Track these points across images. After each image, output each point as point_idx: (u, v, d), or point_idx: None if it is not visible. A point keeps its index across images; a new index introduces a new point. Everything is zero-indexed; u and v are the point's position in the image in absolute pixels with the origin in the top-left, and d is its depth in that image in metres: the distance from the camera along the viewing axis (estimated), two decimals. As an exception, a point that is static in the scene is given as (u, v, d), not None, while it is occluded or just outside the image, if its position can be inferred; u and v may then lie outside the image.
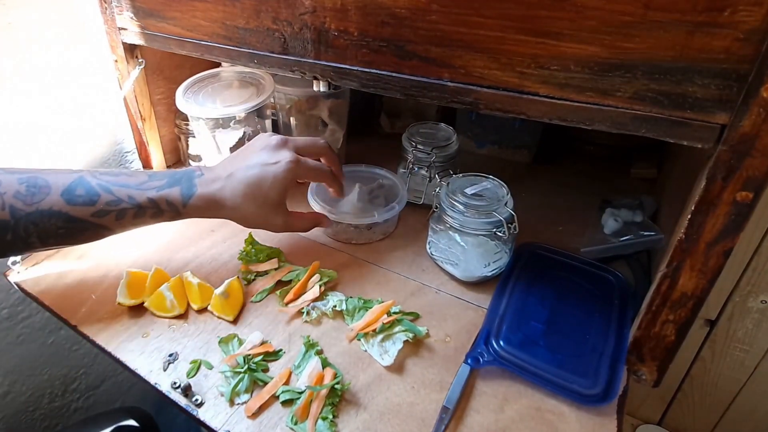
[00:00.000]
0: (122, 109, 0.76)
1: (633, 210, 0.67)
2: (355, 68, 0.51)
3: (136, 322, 0.55)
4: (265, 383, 0.48)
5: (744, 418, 0.77)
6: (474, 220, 0.57)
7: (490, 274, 0.60)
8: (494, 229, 0.57)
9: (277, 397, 0.47)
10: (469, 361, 0.50)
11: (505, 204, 0.58)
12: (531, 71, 0.42)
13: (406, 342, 0.51)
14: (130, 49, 0.71)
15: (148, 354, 0.52)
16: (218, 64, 0.78)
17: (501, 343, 0.51)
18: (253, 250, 0.64)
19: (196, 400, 0.47)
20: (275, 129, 0.81)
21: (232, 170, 0.56)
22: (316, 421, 0.45)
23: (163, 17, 0.62)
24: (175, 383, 0.48)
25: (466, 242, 0.59)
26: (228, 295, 0.56)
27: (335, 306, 0.56)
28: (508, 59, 0.43)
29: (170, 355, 0.51)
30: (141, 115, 0.76)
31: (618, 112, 0.40)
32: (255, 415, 0.46)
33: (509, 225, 0.57)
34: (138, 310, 0.57)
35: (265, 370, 0.50)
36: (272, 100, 0.75)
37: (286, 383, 0.48)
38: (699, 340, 0.73)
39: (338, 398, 0.47)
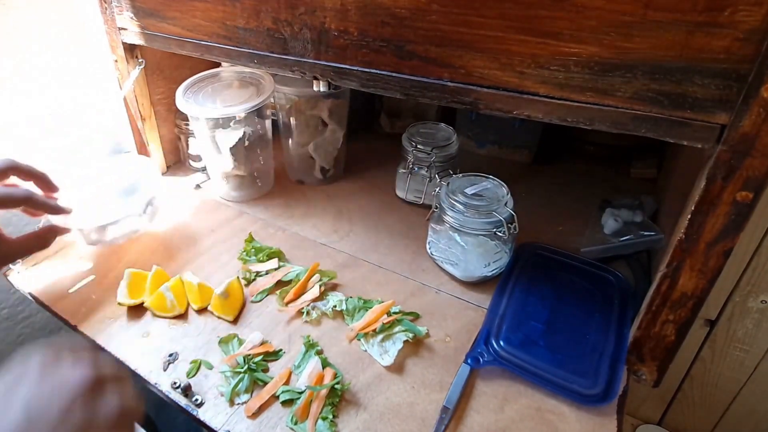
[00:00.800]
0: (122, 109, 0.76)
1: (633, 210, 0.67)
2: (355, 68, 0.51)
3: (136, 322, 0.55)
4: (265, 383, 0.48)
5: (744, 418, 0.77)
6: (474, 220, 0.57)
7: (490, 274, 0.60)
8: (494, 229, 0.57)
9: (277, 397, 0.47)
10: (469, 361, 0.50)
11: (505, 204, 0.58)
12: (531, 71, 0.42)
13: (406, 342, 0.51)
14: (130, 49, 0.71)
15: (148, 354, 0.52)
16: (218, 64, 0.78)
17: (501, 343, 0.51)
18: (253, 250, 0.64)
19: (196, 400, 0.47)
20: (275, 129, 0.81)
21: None
22: (316, 421, 0.45)
23: (163, 17, 0.62)
24: (175, 383, 0.48)
25: (466, 242, 0.58)
26: (228, 295, 0.56)
27: (335, 306, 0.56)
28: (508, 59, 0.43)
29: (170, 355, 0.51)
30: (141, 115, 0.76)
31: (618, 112, 0.40)
32: (255, 415, 0.46)
33: (509, 225, 0.57)
34: (138, 310, 0.57)
35: (265, 370, 0.50)
36: (272, 100, 0.75)
37: (286, 383, 0.48)
38: (699, 340, 0.73)
39: (338, 398, 0.47)
